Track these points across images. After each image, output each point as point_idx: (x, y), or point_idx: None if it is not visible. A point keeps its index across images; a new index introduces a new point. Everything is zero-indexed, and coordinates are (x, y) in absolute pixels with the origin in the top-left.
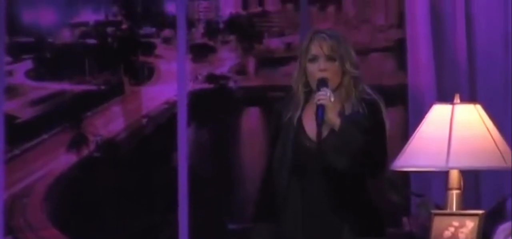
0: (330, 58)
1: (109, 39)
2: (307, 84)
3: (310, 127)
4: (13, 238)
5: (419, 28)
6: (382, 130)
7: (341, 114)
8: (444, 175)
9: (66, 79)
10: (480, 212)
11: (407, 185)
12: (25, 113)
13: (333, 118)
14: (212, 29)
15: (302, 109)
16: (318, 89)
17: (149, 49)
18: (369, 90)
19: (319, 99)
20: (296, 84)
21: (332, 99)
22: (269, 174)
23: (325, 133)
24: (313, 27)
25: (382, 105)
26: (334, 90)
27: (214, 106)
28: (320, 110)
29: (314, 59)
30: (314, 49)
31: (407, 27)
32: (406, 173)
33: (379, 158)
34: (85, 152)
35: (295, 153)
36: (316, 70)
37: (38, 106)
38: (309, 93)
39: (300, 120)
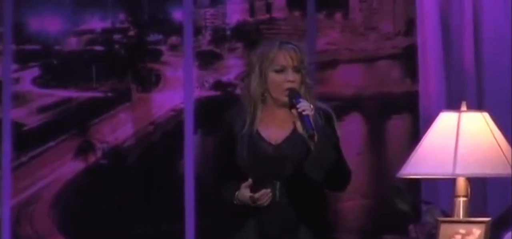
0: (296, 70)
1: (116, 46)
2: (264, 92)
3: (267, 133)
4: None
5: (429, 36)
6: (338, 142)
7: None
8: (451, 182)
9: (73, 86)
10: (487, 219)
11: (417, 192)
12: (32, 121)
13: None
14: (219, 36)
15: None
16: (293, 100)
17: (156, 56)
18: (318, 101)
19: (304, 110)
20: (254, 92)
21: (312, 109)
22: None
23: (283, 136)
24: (320, 34)
25: (334, 116)
26: None
27: (221, 114)
28: (307, 120)
29: (281, 70)
30: (283, 60)
31: (417, 35)
32: (416, 181)
33: (347, 171)
34: (92, 159)
35: (253, 159)
36: (284, 81)
37: (45, 114)
38: (264, 101)
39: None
